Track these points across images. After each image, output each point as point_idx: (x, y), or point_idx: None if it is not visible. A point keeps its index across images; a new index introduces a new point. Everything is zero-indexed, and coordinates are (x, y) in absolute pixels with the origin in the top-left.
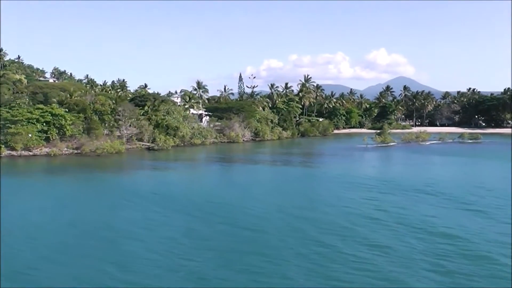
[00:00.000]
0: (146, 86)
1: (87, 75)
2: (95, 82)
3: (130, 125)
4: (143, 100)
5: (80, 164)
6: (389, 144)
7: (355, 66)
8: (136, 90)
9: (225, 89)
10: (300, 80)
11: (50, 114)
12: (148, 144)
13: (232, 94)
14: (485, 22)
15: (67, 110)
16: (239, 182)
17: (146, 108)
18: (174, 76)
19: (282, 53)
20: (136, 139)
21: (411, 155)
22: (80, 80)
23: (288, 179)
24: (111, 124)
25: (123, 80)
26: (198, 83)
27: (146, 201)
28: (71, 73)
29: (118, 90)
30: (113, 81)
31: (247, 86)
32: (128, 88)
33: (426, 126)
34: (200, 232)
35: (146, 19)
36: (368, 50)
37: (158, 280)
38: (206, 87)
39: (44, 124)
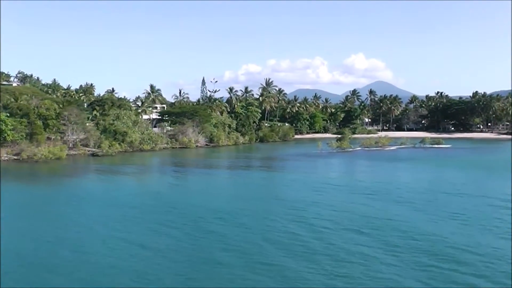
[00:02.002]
0: (113, 90)
1: (54, 79)
2: (60, 86)
3: (75, 130)
4: (100, 104)
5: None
6: (345, 150)
7: (333, 71)
8: (103, 95)
9: (180, 93)
10: (261, 84)
11: None
12: (94, 149)
13: (188, 98)
14: (462, 26)
15: (8, 115)
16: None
17: (94, 112)
18: (152, 80)
19: (260, 57)
20: (81, 145)
21: (359, 161)
22: (47, 84)
23: (201, 188)
24: (55, 129)
25: (91, 84)
26: (152, 87)
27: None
28: (38, 77)
29: (81, 94)
30: (80, 85)
31: (209, 91)
32: (95, 93)
33: (393, 130)
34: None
35: (123, 22)
36: (346, 54)
37: None
38: (159, 91)
39: None
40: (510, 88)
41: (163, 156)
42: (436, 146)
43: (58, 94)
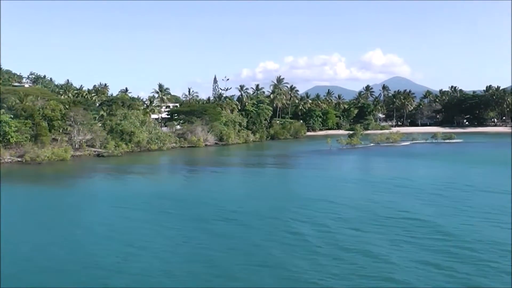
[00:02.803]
0: (127, 90)
1: (68, 80)
2: (72, 86)
3: (81, 131)
4: (109, 104)
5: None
6: (355, 147)
7: (351, 67)
8: (117, 95)
9: (189, 91)
10: (272, 81)
11: None
12: (100, 150)
13: (197, 96)
14: (478, 22)
15: (11, 116)
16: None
17: (101, 112)
18: (169, 79)
19: (278, 55)
20: (87, 145)
21: (366, 157)
22: (59, 85)
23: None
24: (61, 130)
25: (105, 84)
26: (160, 86)
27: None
28: (50, 78)
29: (93, 94)
30: (94, 85)
31: (220, 89)
32: (109, 93)
33: (407, 126)
34: None
35: (139, 22)
36: (364, 50)
37: None
38: (168, 90)
39: None
40: None
41: (169, 156)
42: (448, 141)
43: (70, 94)
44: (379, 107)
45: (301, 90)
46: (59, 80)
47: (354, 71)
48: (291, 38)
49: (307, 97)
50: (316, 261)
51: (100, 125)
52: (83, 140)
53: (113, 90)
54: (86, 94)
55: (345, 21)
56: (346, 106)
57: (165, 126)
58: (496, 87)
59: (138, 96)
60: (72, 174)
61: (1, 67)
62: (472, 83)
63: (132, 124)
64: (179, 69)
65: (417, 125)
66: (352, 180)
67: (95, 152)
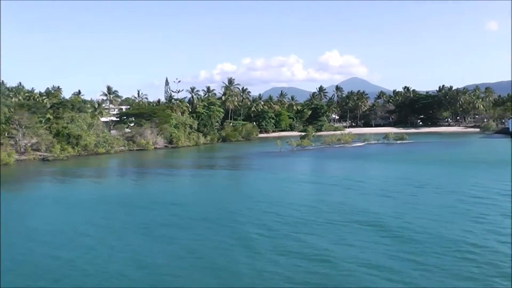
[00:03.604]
0: (79, 92)
1: (20, 82)
2: (22, 89)
3: (26, 135)
4: (59, 107)
5: None
6: (306, 148)
7: (308, 68)
8: (69, 97)
9: (138, 94)
10: (223, 83)
11: None
12: (45, 154)
13: (147, 98)
14: (433, 23)
15: None
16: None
17: (48, 115)
18: (127, 81)
19: (235, 56)
20: (32, 149)
21: (314, 160)
22: (9, 88)
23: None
24: (6, 134)
25: (58, 87)
26: (108, 88)
27: None
28: (2, 81)
29: (44, 97)
30: (47, 88)
31: (172, 91)
32: (63, 95)
33: (361, 127)
34: None
35: (96, 22)
36: (321, 52)
37: None
38: (116, 92)
39: None
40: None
41: (115, 159)
42: (399, 141)
43: (20, 97)
44: (333, 108)
45: (259, 91)
46: (11, 82)
47: (312, 72)
48: (248, 39)
49: (260, 98)
50: (256, 263)
51: (46, 128)
52: (28, 144)
53: (67, 93)
54: (38, 97)
55: (301, 22)
56: (299, 108)
57: (115, 129)
58: (448, 87)
59: (91, 98)
60: (9, 179)
61: None
62: (429, 83)
63: (79, 128)
64: (136, 71)
65: (371, 126)
66: (295, 181)
67: (40, 156)
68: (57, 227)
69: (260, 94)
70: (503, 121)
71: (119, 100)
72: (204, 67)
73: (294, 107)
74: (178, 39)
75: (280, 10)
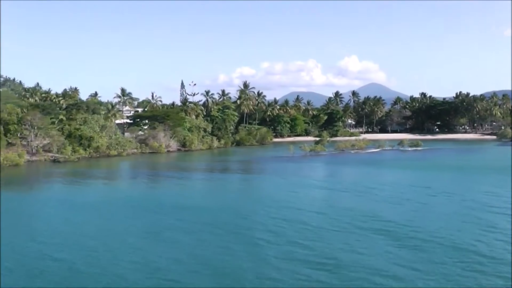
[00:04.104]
0: (96, 94)
1: (38, 83)
2: (38, 89)
3: (38, 135)
4: (76, 108)
5: None
6: (319, 153)
7: (327, 73)
8: (86, 99)
9: (152, 96)
10: (239, 86)
11: None
12: (57, 155)
13: (161, 101)
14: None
15: None
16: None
17: (61, 117)
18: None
19: (254, 60)
20: (44, 150)
21: (324, 165)
22: (27, 88)
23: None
24: (18, 135)
25: (75, 88)
26: (122, 91)
27: None
28: (20, 81)
29: (60, 98)
30: (64, 89)
31: (188, 94)
32: (80, 96)
33: (377, 132)
34: None
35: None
36: (340, 57)
37: None
38: (130, 94)
39: None
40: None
41: (126, 162)
42: (414, 148)
43: (37, 98)
44: (349, 114)
45: (278, 96)
46: (29, 83)
47: (331, 77)
48: (267, 43)
49: (276, 102)
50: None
51: (58, 129)
52: (40, 145)
53: (84, 94)
54: (54, 98)
55: (320, 26)
56: (315, 113)
57: (128, 131)
58: (465, 93)
59: (108, 100)
60: (16, 180)
61: None
62: (447, 90)
63: (91, 129)
64: (155, 73)
65: (387, 132)
66: (304, 186)
67: (51, 157)
68: (60, 229)
69: (275, 98)
70: None
71: (135, 102)
72: (223, 70)
73: (310, 112)
74: (198, 42)
75: (299, 13)
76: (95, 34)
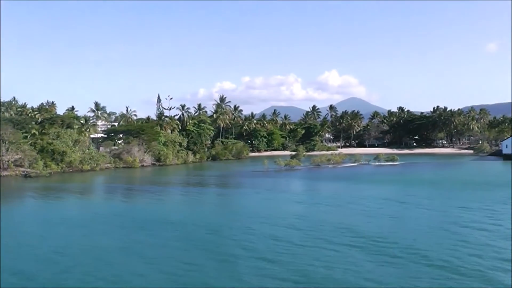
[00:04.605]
0: (73, 108)
1: (14, 97)
2: (14, 103)
3: (9, 150)
4: (51, 122)
5: None
6: (294, 168)
7: (307, 88)
8: (63, 113)
9: (127, 110)
10: (215, 101)
11: None
12: (28, 170)
13: (136, 115)
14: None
15: None
16: None
17: (33, 131)
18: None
19: (235, 75)
20: (15, 165)
21: (296, 180)
22: (3, 103)
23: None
24: None
25: (52, 102)
26: (96, 105)
27: None
28: None
29: (35, 112)
30: (41, 103)
31: (164, 108)
32: (56, 111)
33: (354, 147)
34: None
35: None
36: (320, 71)
37: None
38: (104, 108)
39: None
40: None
41: (98, 177)
42: (390, 163)
43: (12, 112)
44: (326, 128)
45: (258, 110)
46: (5, 97)
47: (311, 91)
48: (248, 58)
49: (253, 117)
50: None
51: (30, 144)
52: (11, 160)
53: (62, 109)
54: (30, 112)
55: (301, 40)
56: (292, 127)
57: (102, 145)
58: (443, 108)
59: (84, 114)
60: None
61: None
62: (428, 104)
63: (64, 144)
64: (134, 88)
65: (364, 146)
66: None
67: (23, 172)
68: (28, 243)
69: (252, 113)
70: (498, 143)
71: (113, 116)
72: (204, 85)
73: (288, 126)
74: (178, 56)
75: (279, 28)
76: (74, 48)
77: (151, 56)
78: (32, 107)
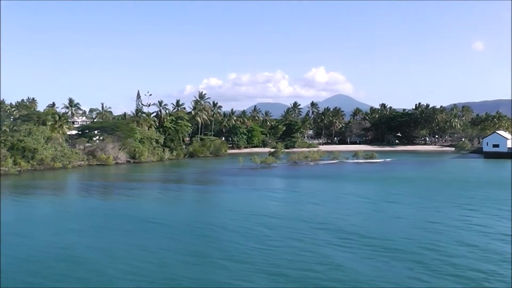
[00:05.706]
0: (54, 105)
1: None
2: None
3: None
4: (26, 119)
5: None
6: (270, 166)
7: (294, 84)
8: (44, 110)
9: (102, 107)
10: (194, 97)
11: None
12: None
13: (111, 112)
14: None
15: None
16: None
17: (4, 128)
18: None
19: (221, 71)
20: None
21: (269, 179)
22: None
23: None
24: None
25: (33, 98)
26: (70, 101)
27: None
28: None
29: (13, 109)
30: (22, 99)
31: (143, 105)
32: (37, 107)
33: (336, 144)
34: None
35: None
36: (307, 68)
37: None
38: (78, 105)
39: None
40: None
41: (71, 174)
42: (369, 160)
43: None
44: (308, 125)
45: (245, 107)
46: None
47: (298, 88)
48: (234, 54)
49: (233, 113)
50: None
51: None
52: None
53: (43, 105)
54: (8, 109)
55: (287, 37)
56: (273, 124)
57: (76, 142)
58: (425, 105)
59: (56, 111)
60: None
61: None
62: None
63: (36, 141)
64: (121, 85)
65: (346, 143)
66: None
67: None
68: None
69: (232, 109)
70: (480, 140)
71: (94, 113)
72: (190, 82)
73: (269, 123)
74: (164, 53)
75: (266, 25)
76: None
77: (137, 53)
78: (10, 103)
